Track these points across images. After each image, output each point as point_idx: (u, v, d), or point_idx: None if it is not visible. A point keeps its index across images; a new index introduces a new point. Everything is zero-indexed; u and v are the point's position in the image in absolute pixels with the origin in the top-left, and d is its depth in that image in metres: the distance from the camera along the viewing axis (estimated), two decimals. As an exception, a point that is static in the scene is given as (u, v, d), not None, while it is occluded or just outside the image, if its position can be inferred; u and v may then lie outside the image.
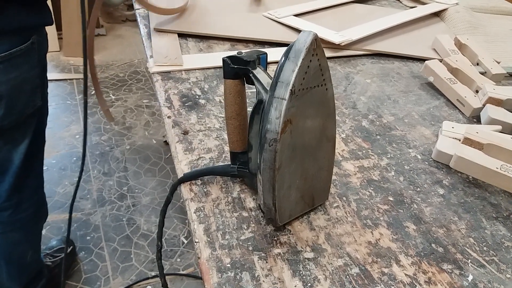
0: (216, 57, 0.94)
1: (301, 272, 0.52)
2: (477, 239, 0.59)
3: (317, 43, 0.51)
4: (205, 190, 0.62)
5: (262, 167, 0.52)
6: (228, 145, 0.64)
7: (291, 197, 0.55)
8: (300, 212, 0.58)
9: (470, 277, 0.53)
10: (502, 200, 0.65)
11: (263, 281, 0.50)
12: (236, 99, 0.60)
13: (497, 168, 0.63)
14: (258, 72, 0.57)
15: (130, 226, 1.71)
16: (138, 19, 1.06)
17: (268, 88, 0.56)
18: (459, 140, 0.72)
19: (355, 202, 0.63)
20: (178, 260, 1.61)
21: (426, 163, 0.72)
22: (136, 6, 1.12)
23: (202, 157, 0.68)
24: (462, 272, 0.54)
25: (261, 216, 0.58)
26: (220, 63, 0.91)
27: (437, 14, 1.26)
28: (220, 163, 0.67)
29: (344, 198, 0.63)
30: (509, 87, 0.88)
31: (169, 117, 0.76)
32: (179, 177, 0.64)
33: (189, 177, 0.62)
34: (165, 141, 2.16)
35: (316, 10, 1.18)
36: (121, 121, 2.25)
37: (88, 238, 1.63)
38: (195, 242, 0.55)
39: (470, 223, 0.61)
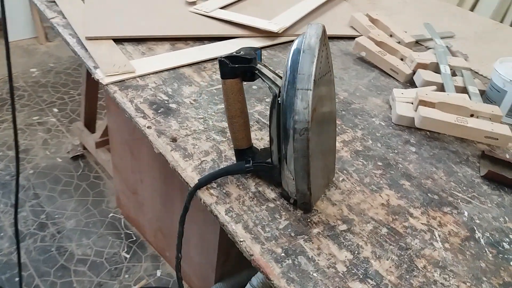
0: (165, 58, 0.91)
1: (344, 244, 0.56)
2: (456, 182, 0.70)
3: (325, 34, 0.55)
4: (224, 191, 0.62)
5: (294, 156, 0.55)
6: (232, 143, 0.65)
7: (318, 179, 0.59)
8: (323, 192, 0.63)
9: (466, 213, 0.64)
10: (458, 146, 0.78)
11: (318, 260, 0.54)
12: (238, 97, 0.61)
13: (454, 120, 0.75)
14: (262, 68, 0.59)
15: (61, 254, 1.56)
16: (60, 30, 0.96)
17: (276, 82, 0.58)
18: (411, 103, 0.83)
19: (355, 173, 0.69)
20: (127, 276, 1.53)
21: (391, 127, 0.81)
22: (49, 15, 1.02)
23: (204, 160, 0.67)
24: (459, 210, 0.64)
25: (287, 203, 0.61)
26: (172, 64, 0.90)
27: (339, -5, 1.38)
28: (224, 163, 0.67)
29: (345, 171, 0.69)
30: (427, 52, 1.03)
31: (149, 127, 0.72)
32: (192, 184, 0.62)
33: (205, 182, 0.62)
34: (72, 157, 1.99)
35: (237, 1, 1.21)
36: (14, 144, 2.00)
37: (16, 279, 1.45)
38: (240, 241, 0.55)
39: (445, 171, 0.72)
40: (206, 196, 0.61)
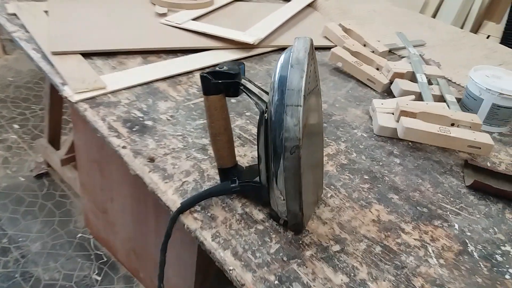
0: (138, 72, 0.87)
1: (339, 266, 0.54)
2: (443, 193, 0.69)
3: (312, 48, 0.53)
4: (209, 214, 0.58)
5: (285, 175, 0.52)
6: (215, 161, 0.61)
7: (309, 197, 0.57)
8: (314, 210, 0.60)
9: (456, 226, 0.63)
10: (441, 156, 0.78)
11: (314, 285, 0.51)
12: (222, 114, 0.58)
13: (437, 131, 0.75)
14: (246, 83, 0.56)
15: (27, 281, 1.47)
16: (22, 44, 0.90)
17: (263, 98, 0.55)
18: (392, 114, 0.83)
19: (343, 188, 0.67)
20: (99, 300, 1.45)
21: (373, 139, 0.80)
22: (10, 29, 0.95)
23: (185, 181, 0.63)
24: (449, 223, 0.63)
25: (276, 225, 0.58)
26: (146, 79, 0.86)
27: (310, 5, 1.37)
28: (207, 183, 0.64)
29: (332, 187, 0.67)
30: (402, 61, 1.03)
31: (124, 147, 0.68)
32: (174, 208, 0.58)
33: (188, 205, 0.58)
34: (36, 176, 1.89)
35: (208, 12, 1.18)
36: (-29, 164, 1.88)
37: (-23, 312, 1.35)
38: (229, 270, 0.52)
39: (431, 182, 0.71)
40: (190, 220, 0.57)
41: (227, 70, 0.56)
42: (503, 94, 0.82)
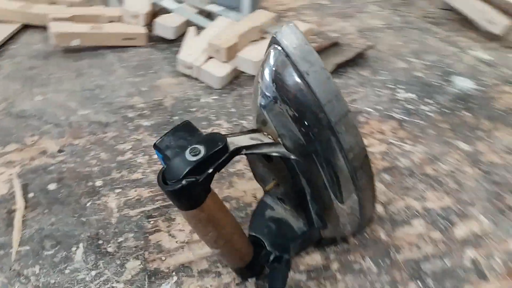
0: None
1: (436, 221, 0.50)
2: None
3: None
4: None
5: (360, 194, 0.39)
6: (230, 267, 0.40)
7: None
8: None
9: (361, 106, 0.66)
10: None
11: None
12: (223, 210, 0.36)
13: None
14: (237, 141, 0.34)
15: None
16: None
17: (264, 141, 0.36)
18: (208, 58, 0.70)
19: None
20: None
21: (224, 95, 0.67)
22: None
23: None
24: (395, 114, 0.65)
25: (335, 246, 0.46)
26: None
27: None
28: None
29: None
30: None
31: None
32: None
33: None
34: None
35: None
36: None
37: None
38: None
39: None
40: None
41: (206, 153, 0.32)
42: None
